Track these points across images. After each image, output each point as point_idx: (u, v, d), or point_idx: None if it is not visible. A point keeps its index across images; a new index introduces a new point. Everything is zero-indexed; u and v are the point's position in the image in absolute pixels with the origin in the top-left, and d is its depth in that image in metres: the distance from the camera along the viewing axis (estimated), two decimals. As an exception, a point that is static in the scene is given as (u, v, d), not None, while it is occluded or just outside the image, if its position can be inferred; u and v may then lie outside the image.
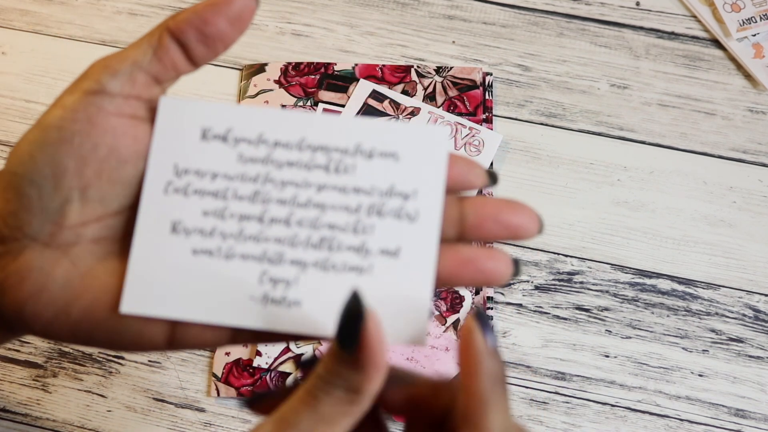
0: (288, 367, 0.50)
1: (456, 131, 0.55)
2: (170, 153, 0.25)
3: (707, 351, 0.52)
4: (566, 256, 0.54)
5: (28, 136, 0.24)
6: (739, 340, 0.52)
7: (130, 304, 0.24)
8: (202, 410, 0.50)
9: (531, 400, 0.50)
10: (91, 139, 0.24)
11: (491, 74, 0.58)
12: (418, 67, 0.58)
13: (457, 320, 0.51)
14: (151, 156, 0.25)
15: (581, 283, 0.53)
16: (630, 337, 0.52)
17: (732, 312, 0.52)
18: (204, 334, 0.24)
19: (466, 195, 0.25)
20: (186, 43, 0.24)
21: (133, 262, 0.24)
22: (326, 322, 0.24)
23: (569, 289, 0.53)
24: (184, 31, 0.24)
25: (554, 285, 0.53)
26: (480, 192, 0.51)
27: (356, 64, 0.58)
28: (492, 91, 0.58)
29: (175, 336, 0.24)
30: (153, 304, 0.24)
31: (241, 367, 0.50)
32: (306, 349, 0.50)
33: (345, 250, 0.24)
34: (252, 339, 0.25)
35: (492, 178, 0.25)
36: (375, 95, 0.57)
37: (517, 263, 0.24)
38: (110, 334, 0.24)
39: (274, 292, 0.24)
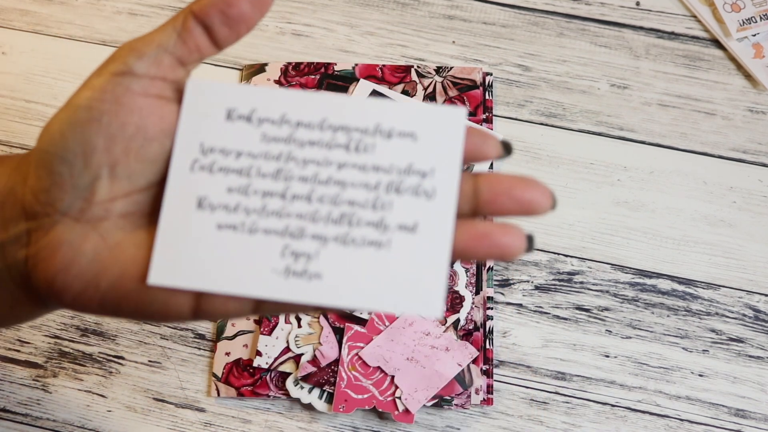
0: (288, 367, 0.50)
1: (456, 131, 0.55)
2: (196, 132, 0.26)
3: (707, 351, 0.52)
4: (566, 256, 0.54)
5: (58, 116, 0.25)
6: (739, 340, 0.52)
7: (157, 276, 0.25)
8: (202, 410, 0.50)
9: (531, 400, 0.50)
10: (119, 118, 0.24)
11: (491, 74, 0.58)
12: (418, 67, 0.58)
13: (457, 320, 0.51)
14: (178, 135, 0.26)
15: (581, 283, 0.53)
16: (630, 337, 0.52)
17: (732, 312, 0.53)
18: (228, 304, 0.25)
19: (480, 170, 0.26)
20: (210, 26, 0.25)
21: (161, 235, 0.25)
22: (346, 293, 0.25)
23: (569, 289, 0.53)
24: (208, 14, 0.25)
25: (554, 285, 0.53)
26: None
27: (356, 64, 0.58)
28: (492, 91, 0.58)
29: (200, 306, 0.25)
30: (179, 275, 0.25)
31: (241, 367, 0.50)
32: (306, 349, 0.50)
33: (364, 225, 0.25)
34: (274, 310, 0.26)
35: (506, 148, 0.26)
36: (375, 95, 0.57)
37: (531, 238, 0.25)
38: (137, 304, 0.25)
39: (296, 265, 0.25)
